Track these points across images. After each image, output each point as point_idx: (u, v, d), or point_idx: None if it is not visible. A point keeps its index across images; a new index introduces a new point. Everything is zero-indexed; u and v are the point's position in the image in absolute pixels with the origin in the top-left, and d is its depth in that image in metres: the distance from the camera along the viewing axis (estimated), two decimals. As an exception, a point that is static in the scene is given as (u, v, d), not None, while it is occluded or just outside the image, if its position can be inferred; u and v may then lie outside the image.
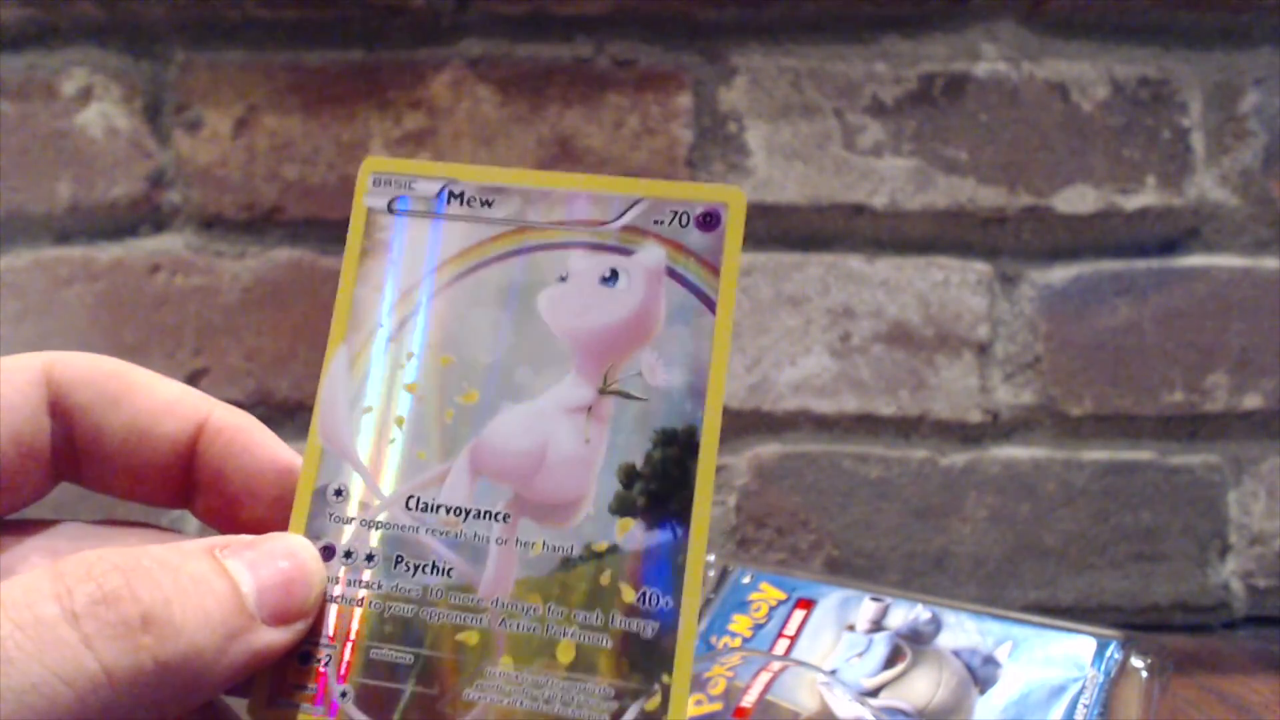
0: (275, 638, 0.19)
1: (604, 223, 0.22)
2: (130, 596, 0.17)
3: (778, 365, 0.58)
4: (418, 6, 0.57)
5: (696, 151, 0.58)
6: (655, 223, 0.22)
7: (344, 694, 0.20)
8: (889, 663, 0.39)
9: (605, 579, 0.20)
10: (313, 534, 0.21)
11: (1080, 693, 0.36)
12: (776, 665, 0.37)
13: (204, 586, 0.18)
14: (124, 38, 0.58)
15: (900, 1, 0.57)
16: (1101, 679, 0.37)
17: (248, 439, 0.22)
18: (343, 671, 0.20)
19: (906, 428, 0.58)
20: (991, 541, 0.57)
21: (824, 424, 0.58)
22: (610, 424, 0.21)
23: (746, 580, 0.45)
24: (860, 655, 0.40)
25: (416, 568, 0.21)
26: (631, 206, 0.22)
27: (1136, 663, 0.37)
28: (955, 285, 0.58)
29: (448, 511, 0.21)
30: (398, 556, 0.21)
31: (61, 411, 0.22)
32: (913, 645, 0.40)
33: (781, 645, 0.41)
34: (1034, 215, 0.58)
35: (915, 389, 0.58)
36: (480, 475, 0.21)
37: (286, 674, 0.20)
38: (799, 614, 0.42)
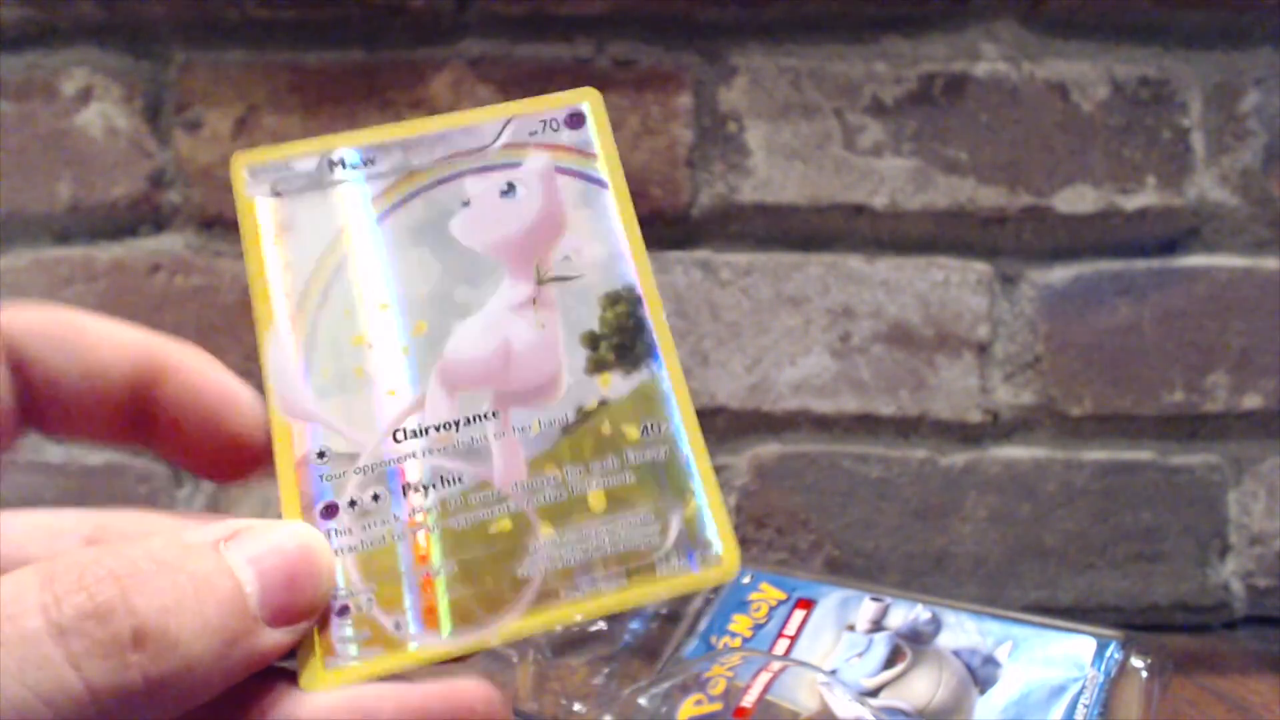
0: (277, 639, 0.18)
1: (485, 147, 0.24)
2: (124, 609, 0.16)
3: (778, 365, 0.58)
4: (418, 6, 0.57)
5: (696, 151, 0.58)
6: (530, 134, 0.24)
7: (397, 624, 0.20)
8: (889, 663, 0.39)
9: (606, 428, 0.22)
10: (308, 502, 0.21)
11: (1080, 693, 0.36)
12: (776, 665, 0.37)
13: (205, 589, 0.17)
14: (124, 38, 0.58)
15: (900, 1, 0.57)
16: (1101, 679, 0.37)
17: (200, 376, 0.22)
18: (387, 605, 0.20)
19: (906, 428, 0.58)
20: (991, 541, 0.57)
21: (824, 424, 0.58)
22: (557, 307, 0.23)
23: (746, 580, 0.45)
24: (860, 655, 0.40)
25: (426, 489, 0.21)
26: (504, 127, 0.24)
27: (1136, 663, 0.37)
28: (955, 285, 0.58)
29: (438, 429, 0.22)
30: (404, 486, 0.21)
31: (17, 362, 0.22)
32: (913, 645, 0.40)
33: (781, 645, 0.41)
34: (1034, 215, 0.58)
35: (915, 389, 0.58)
36: (456, 390, 0.22)
37: (331, 633, 0.20)
38: (799, 614, 0.42)
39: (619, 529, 0.21)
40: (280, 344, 0.22)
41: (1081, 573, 0.57)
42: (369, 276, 0.23)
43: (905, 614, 0.41)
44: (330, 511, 0.21)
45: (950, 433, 0.58)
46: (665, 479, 0.22)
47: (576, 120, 0.25)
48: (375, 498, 0.21)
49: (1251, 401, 0.57)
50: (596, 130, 0.25)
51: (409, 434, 0.22)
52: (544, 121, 0.25)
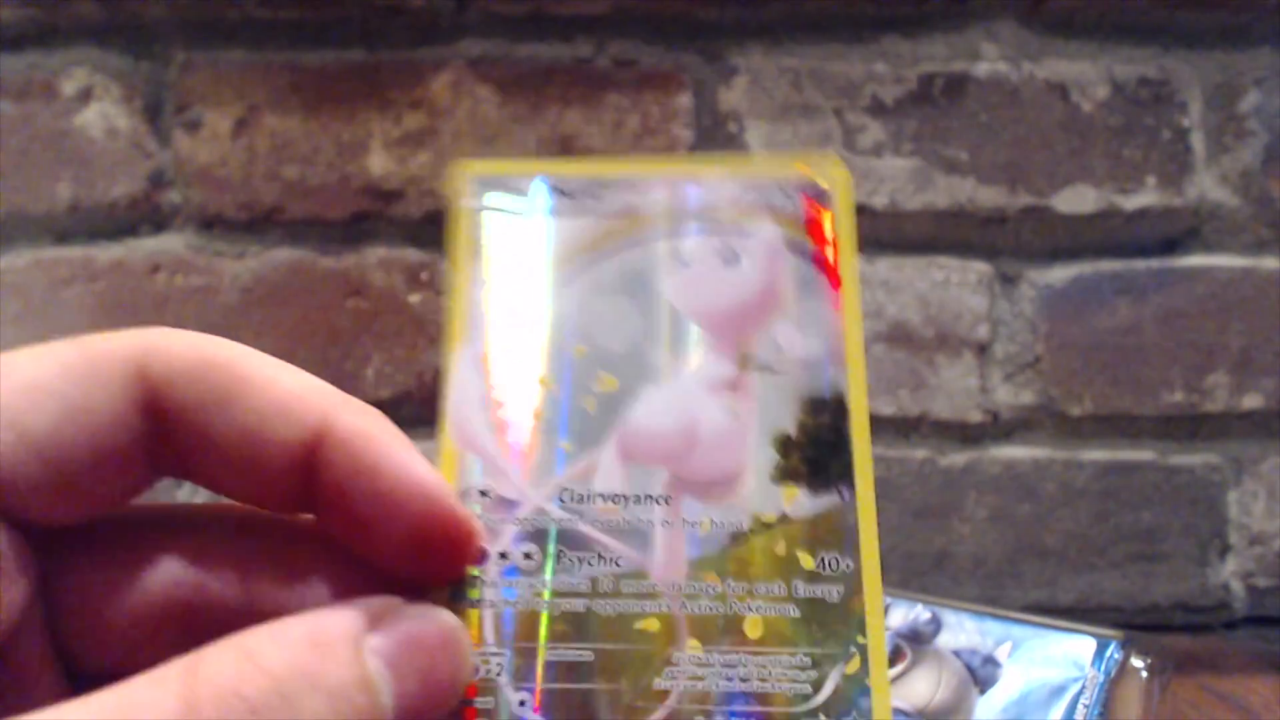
0: None
1: (715, 206, 0.22)
2: None
3: (778, 365, 0.58)
4: (418, 6, 0.57)
5: (697, 151, 0.58)
6: (767, 201, 0.22)
7: (522, 702, 0.19)
8: (889, 663, 0.39)
9: (780, 549, 0.20)
10: None
11: (1080, 693, 0.36)
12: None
13: (341, 705, 0.16)
14: (124, 38, 0.58)
15: (900, 1, 0.57)
16: (1101, 679, 0.37)
17: (376, 451, 0.19)
18: (516, 677, 0.19)
19: (906, 428, 0.58)
20: (991, 541, 0.57)
21: (824, 424, 0.58)
22: (756, 398, 0.21)
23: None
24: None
25: (580, 561, 0.20)
26: (744, 188, 0.22)
27: (1136, 663, 0.37)
28: (955, 285, 0.58)
29: (604, 500, 0.20)
30: (559, 552, 0.20)
31: (158, 412, 0.19)
32: (913, 645, 0.40)
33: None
34: (1034, 215, 0.58)
35: (915, 389, 0.58)
36: (632, 461, 0.20)
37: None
38: (799, 614, 0.42)
39: (770, 667, 0.19)
40: (467, 366, 0.21)
41: (1081, 573, 0.57)
42: (568, 317, 0.21)
43: (905, 614, 0.41)
44: (480, 557, 0.20)
45: (950, 433, 0.58)
46: (832, 624, 0.20)
47: (819, 200, 0.23)
48: (528, 556, 0.20)
49: (1251, 401, 0.57)
50: (840, 213, 0.23)
51: (574, 497, 0.20)
52: (783, 189, 0.22)
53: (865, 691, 0.19)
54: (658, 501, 0.20)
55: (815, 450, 0.21)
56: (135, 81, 0.58)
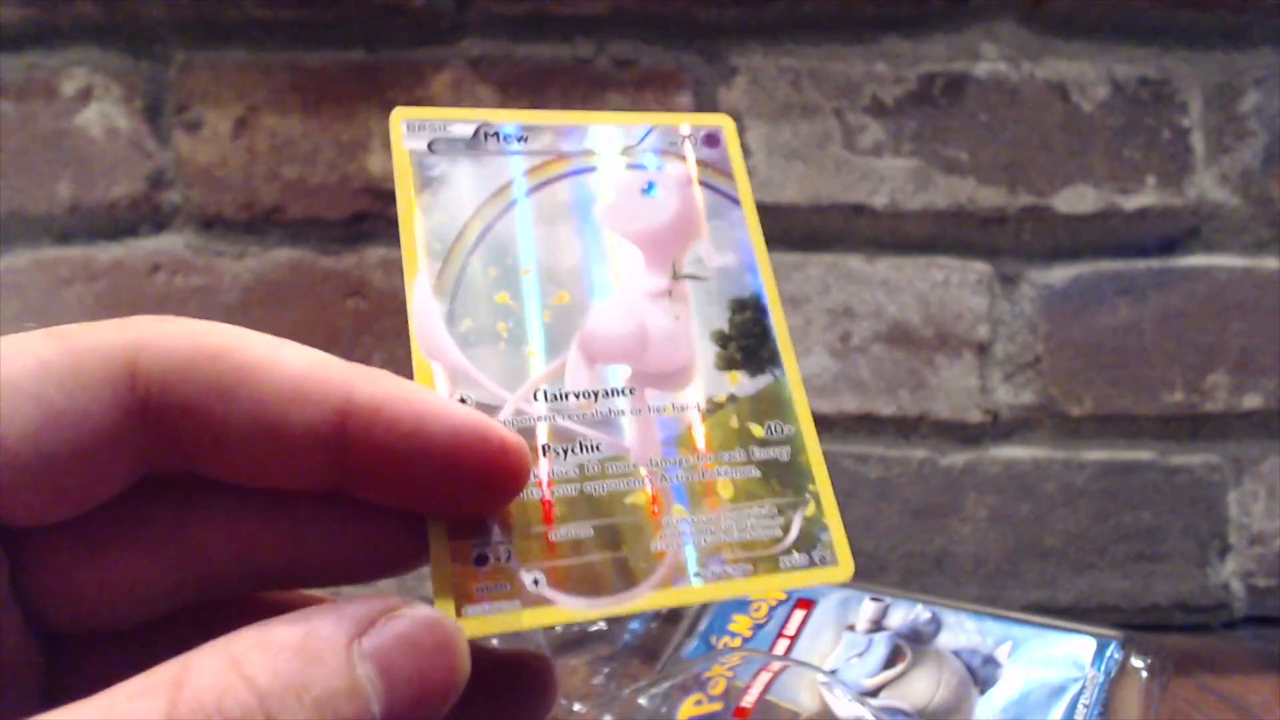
0: None
1: (630, 147, 0.26)
2: None
3: (778, 365, 0.58)
4: (418, 6, 0.57)
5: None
6: (670, 144, 0.26)
7: (536, 581, 0.20)
8: (889, 663, 0.39)
9: (734, 423, 0.23)
10: None
11: (1080, 693, 0.36)
12: (776, 665, 0.37)
13: (329, 713, 0.16)
14: (124, 38, 0.58)
15: (900, 1, 0.57)
16: (1101, 679, 0.37)
17: (413, 410, 0.18)
18: (528, 560, 0.20)
19: (906, 428, 0.58)
20: (991, 541, 0.57)
21: (824, 424, 0.58)
22: (690, 302, 0.24)
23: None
24: (860, 655, 0.40)
25: (565, 450, 0.21)
26: (648, 134, 0.26)
27: (1136, 663, 0.37)
28: (955, 285, 0.58)
29: (577, 396, 0.22)
30: (543, 446, 0.21)
31: (152, 410, 0.18)
32: (913, 645, 0.40)
33: (781, 645, 0.41)
34: (1034, 215, 0.58)
35: (915, 389, 0.58)
36: (595, 362, 0.23)
37: (468, 582, 0.19)
38: (799, 614, 0.42)
39: (744, 519, 0.22)
40: (425, 290, 0.22)
41: (1081, 573, 0.57)
42: (515, 241, 0.23)
43: (905, 614, 0.41)
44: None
45: (950, 433, 0.58)
46: (787, 478, 0.23)
47: (713, 140, 0.26)
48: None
49: (1251, 401, 0.57)
50: (730, 153, 0.26)
51: (549, 396, 0.22)
52: (683, 136, 0.26)
53: (824, 528, 0.23)
54: (624, 394, 0.23)
55: (747, 340, 0.24)
56: (135, 81, 0.58)
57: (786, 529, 0.22)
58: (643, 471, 0.22)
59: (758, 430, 0.23)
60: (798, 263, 0.58)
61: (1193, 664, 0.49)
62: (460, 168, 0.24)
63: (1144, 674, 0.37)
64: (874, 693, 0.38)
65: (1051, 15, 0.58)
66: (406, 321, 0.22)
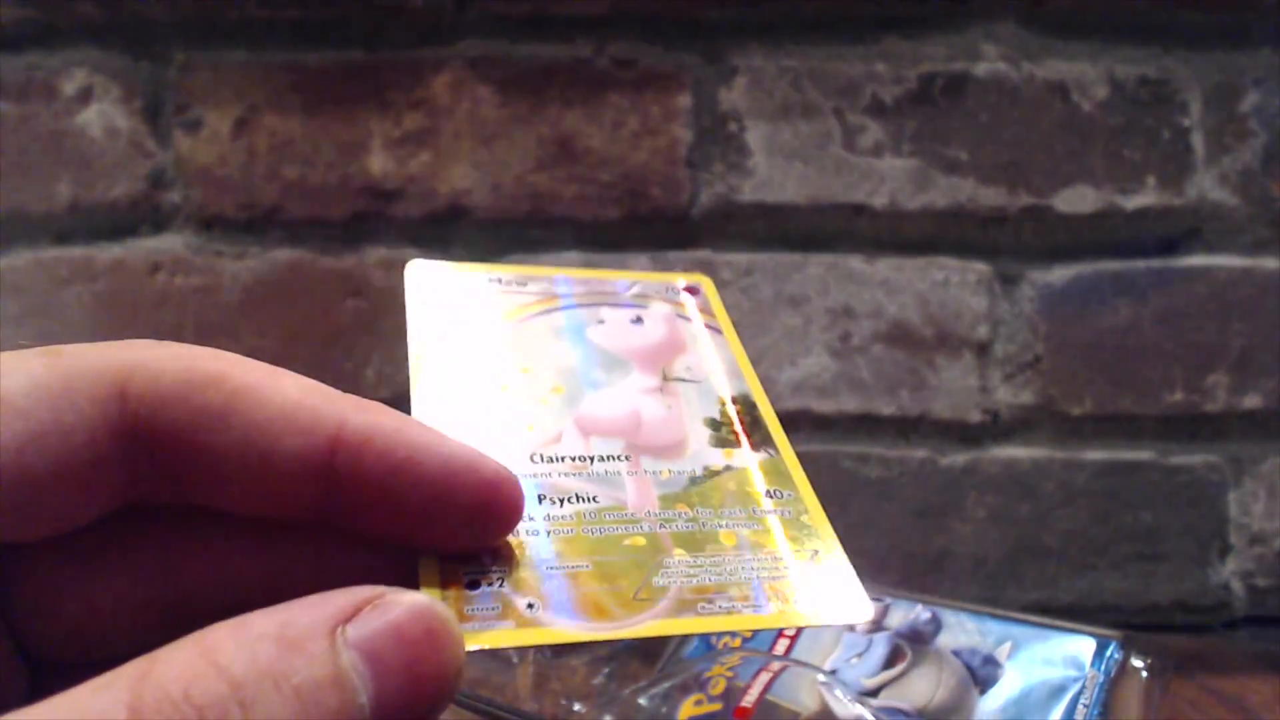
0: None
1: (618, 293, 0.29)
2: None
3: (778, 365, 0.58)
4: (418, 6, 0.57)
5: (696, 151, 0.58)
6: (656, 292, 0.29)
7: (531, 605, 0.20)
8: (889, 663, 0.39)
9: (733, 485, 0.24)
10: None
11: (1080, 693, 0.36)
12: (776, 665, 0.37)
13: (310, 706, 0.15)
14: (124, 38, 0.58)
15: (900, 1, 0.57)
16: (1101, 679, 0.37)
17: (406, 443, 0.18)
18: (523, 587, 0.20)
19: (906, 428, 0.58)
20: (991, 541, 0.57)
21: (824, 424, 0.58)
22: (681, 397, 0.26)
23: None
24: (860, 655, 0.40)
25: (563, 500, 0.22)
26: (634, 285, 0.29)
27: (1136, 663, 0.37)
28: (955, 285, 0.58)
29: (573, 459, 0.23)
30: (539, 496, 0.22)
31: (142, 434, 0.17)
32: (913, 645, 0.40)
33: (781, 645, 0.41)
34: (1034, 215, 0.58)
35: (915, 389, 0.58)
36: (590, 435, 0.24)
37: (459, 604, 0.19)
38: (799, 614, 0.42)
39: (750, 564, 0.22)
40: (427, 388, 0.24)
41: (1081, 573, 0.57)
42: (515, 351, 0.26)
43: (905, 614, 0.41)
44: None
45: (950, 433, 0.58)
46: (792, 533, 0.23)
47: (694, 291, 0.29)
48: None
49: (1251, 401, 0.57)
50: (711, 301, 0.29)
51: (545, 459, 0.23)
52: (668, 288, 0.29)
53: (836, 566, 0.23)
54: (620, 459, 0.23)
55: (739, 425, 0.25)
56: (135, 81, 0.58)
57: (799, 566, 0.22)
58: (641, 520, 0.22)
59: (756, 494, 0.23)
60: (798, 263, 0.58)
61: (1193, 664, 0.49)
62: (466, 303, 0.27)
63: (1144, 674, 0.37)
64: (874, 693, 0.38)
65: (1051, 15, 0.58)
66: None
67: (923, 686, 0.38)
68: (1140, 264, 0.58)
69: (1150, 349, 0.58)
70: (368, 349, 0.58)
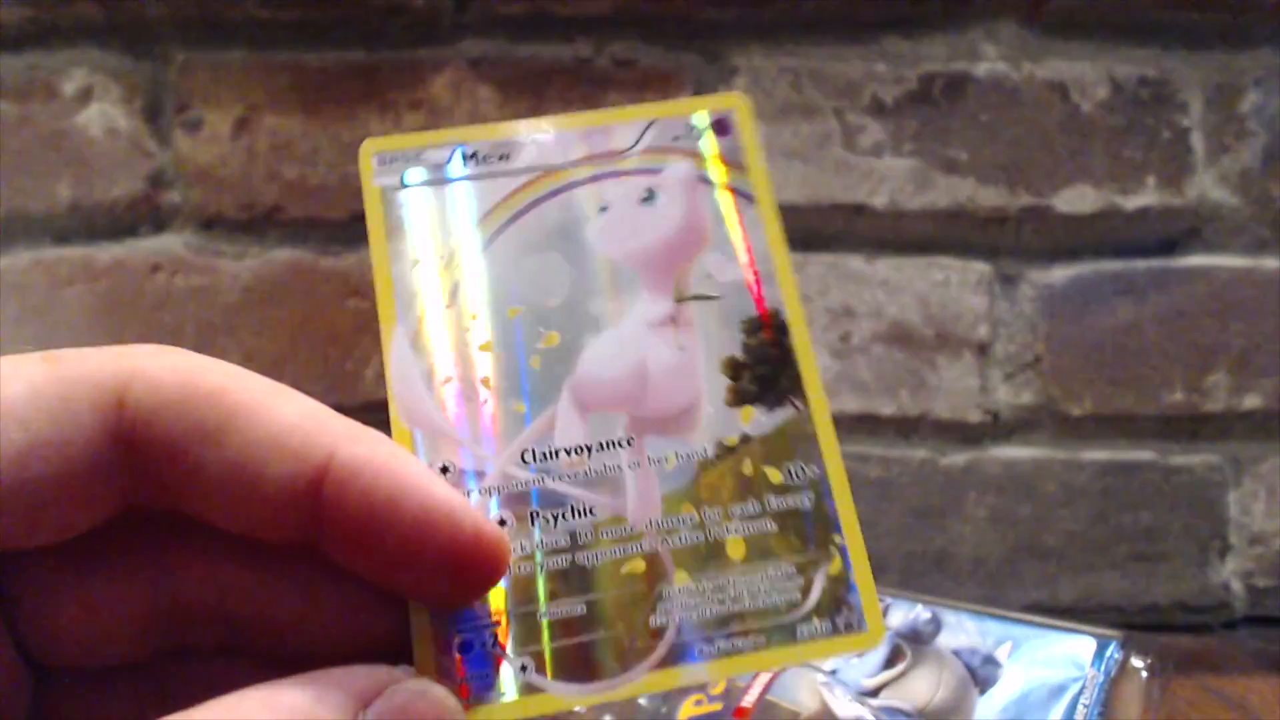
0: None
1: (624, 151, 0.23)
2: None
3: (778, 365, 0.58)
4: (418, 6, 0.57)
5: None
6: (673, 139, 0.23)
7: (524, 667, 0.19)
8: (889, 663, 0.39)
9: (747, 468, 0.20)
10: None
11: (1080, 693, 0.36)
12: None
13: None
14: (124, 38, 0.58)
15: (900, 1, 0.57)
16: (1101, 679, 0.37)
17: (391, 483, 0.18)
18: (517, 644, 0.19)
19: (906, 428, 0.58)
20: (991, 541, 0.57)
21: (824, 424, 0.58)
22: (697, 328, 0.21)
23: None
24: (860, 655, 0.40)
25: (556, 517, 0.20)
26: (645, 131, 0.23)
27: (1136, 663, 0.37)
28: (955, 285, 0.58)
29: (568, 453, 0.20)
30: (532, 514, 0.20)
31: (137, 445, 0.17)
32: (913, 645, 0.40)
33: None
34: (1034, 215, 0.58)
35: (915, 389, 0.58)
36: (589, 410, 0.21)
37: (450, 672, 0.19)
38: (799, 614, 0.42)
39: (758, 583, 0.20)
40: (404, 345, 0.21)
41: (1081, 573, 0.57)
42: (499, 280, 0.21)
43: (905, 614, 0.41)
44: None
45: (950, 433, 0.58)
46: (809, 529, 0.20)
47: (722, 127, 0.23)
48: (502, 523, 0.20)
49: (1251, 401, 0.57)
50: (744, 139, 0.23)
51: (538, 456, 0.20)
52: (688, 126, 0.23)
53: (851, 588, 0.20)
54: (621, 445, 0.20)
55: (763, 368, 0.21)
56: (135, 81, 0.58)
57: (806, 591, 0.20)
58: (642, 535, 0.20)
59: (775, 475, 0.20)
60: (798, 263, 0.58)
61: (1193, 664, 0.49)
62: (437, 201, 0.22)
63: (1144, 674, 0.37)
64: (874, 693, 0.38)
65: (1051, 15, 0.58)
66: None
67: (923, 686, 0.38)
68: (1140, 264, 0.58)
69: (1150, 349, 0.58)
70: (368, 349, 0.58)
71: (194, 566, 0.19)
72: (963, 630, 0.40)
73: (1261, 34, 0.57)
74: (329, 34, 0.58)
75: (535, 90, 0.58)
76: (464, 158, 0.22)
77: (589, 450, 0.20)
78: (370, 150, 0.22)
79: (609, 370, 0.21)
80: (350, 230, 0.58)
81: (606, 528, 0.20)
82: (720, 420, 0.21)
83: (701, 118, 0.23)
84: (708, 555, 0.20)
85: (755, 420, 0.21)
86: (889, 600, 0.42)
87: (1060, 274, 0.58)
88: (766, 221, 0.23)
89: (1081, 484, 0.57)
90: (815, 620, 0.19)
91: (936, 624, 0.41)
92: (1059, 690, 0.37)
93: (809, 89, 0.58)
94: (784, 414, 0.21)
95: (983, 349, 0.58)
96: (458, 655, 0.19)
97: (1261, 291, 0.57)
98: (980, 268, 0.58)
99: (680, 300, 0.22)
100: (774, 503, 0.20)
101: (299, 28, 0.58)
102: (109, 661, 0.19)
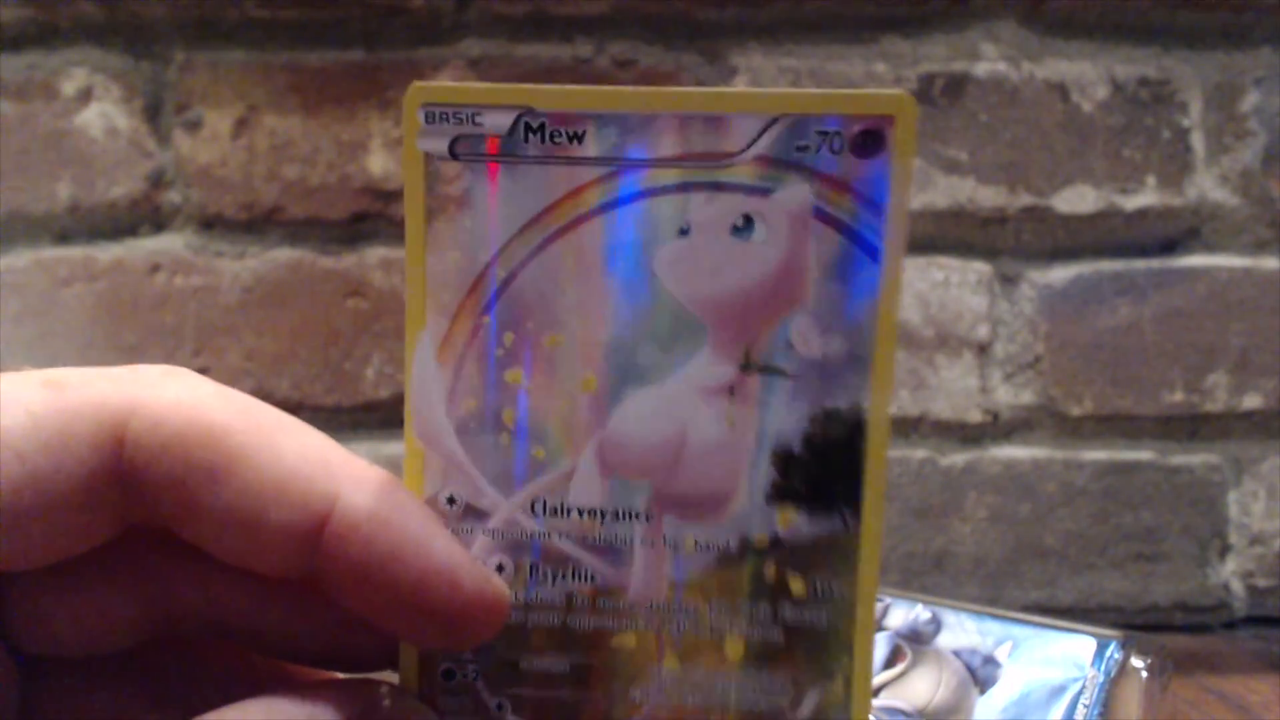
0: None
1: (731, 154, 0.17)
2: None
3: (778, 365, 0.58)
4: (418, 6, 0.57)
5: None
6: (798, 149, 0.17)
7: (500, 705, 0.19)
8: (889, 663, 0.39)
9: (770, 573, 0.18)
10: None
11: (1080, 693, 0.36)
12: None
13: None
14: (124, 38, 0.58)
15: (900, 1, 0.57)
16: (1101, 679, 0.37)
17: (392, 537, 0.17)
18: (495, 684, 0.19)
19: (906, 428, 0.58)
20: (991, 541, 0.57)
21: (824, 424, 0.58)
22: (758, 404, 0.18)
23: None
24: None
25: (555, 575, 0.19)
26: (766, 129, 0.17)
27: (1136, 663, 0.37)
28: (955, 285, 0.58)
29: (580, 514, 0.18)
30: (532, 565, 0.19)
31: (137, 483, 0.17)
32: (913, 645, 0.40)
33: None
34: (1034, 215, 0.58)
35: (915, 389, 0.58)
36: (612, 472, 0.18)
37: (433, 698, 0.18)
38: (799, 614, 0.42)
39: (748, 688, 0.18)
40: (428, 355, 0.18)
41: (1081, 573, 0.57)
42: (544, 298, 0.18)
43: (905, 614, 0.41)
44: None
45: (950, 433, 0.58)
46: (816, 650, 0.18)
47: (871, 143, 0.17)
48: (500, 568, 0.19)
49: (1251, 401, 0.57)
50: (894, 163, 0.17)
51: (549, 509, 0.18)
52: (824, 133, 0.17)
53: (844, 716, 0.18)
54: (638, 519, 0.18)
55: (821, 469, 0.18)
56: (135, 81, 0.58)
57: (795, 705, 0.18)
58: (638, 615, 0.19)
59: (798, 587, 0.18)
60: (798, 263, 0.58)
61: (1193, 664, 0.49)
62: (489, 184, 0.18)
63: (1144, 674, 0.37)
64: (874, 693, 0.38)
65: (1051, 15, 0.58)
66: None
67: (923, 686, 0.38)
68: (1140, 264, 0.58)
69: (1150, 349, 0.58)
70: (367, 349, 0.58)
71: (187, 579, 0.19)
72: (963, 630, 0.40)
73: (1261, 34, 0.57)
74: (329, 34, 0.58)
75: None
76: (527, 130, 0.17)
77: (603, 516, 0.18)
78: (417, 100, 0.18)
79: (644, 433, 0.18)
80: (350, 230, 0.58)
81: (605, 598, 0.19)
82: (754, 515, 0.18)
83: (844, 122, 0.17)
84: (703, 649, 0.18)
85: (794, 526, 0.18)
86: (889, 600, 0.42)
87: (1060, 274, 0.58)
88: (885, 291, 0.17)
89: (1081, 484, 0.57)
90: None
91: (936, 624, 0.41)
92: (1059, 690, 0.37)
93: (809, 89, 0.58)
94: (828, 525, 0.18)
95: (983, 349, 0.58)
96: (441, 681, 0.19)
97: (1261, 291, 0.57)
98: (980, 268, 0.58)
99: (746, 368, 0.18)
100: (789, 614, 0.18)
101: (299, 28, 0.58)
102: (100, 652, 0.20)
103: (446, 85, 0.18)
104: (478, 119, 0.18)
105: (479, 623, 0.18)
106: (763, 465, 0.18)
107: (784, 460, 0.18)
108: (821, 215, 0.17)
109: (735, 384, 0.18)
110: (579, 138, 0.17)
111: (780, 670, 0.18)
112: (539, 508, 0.18)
